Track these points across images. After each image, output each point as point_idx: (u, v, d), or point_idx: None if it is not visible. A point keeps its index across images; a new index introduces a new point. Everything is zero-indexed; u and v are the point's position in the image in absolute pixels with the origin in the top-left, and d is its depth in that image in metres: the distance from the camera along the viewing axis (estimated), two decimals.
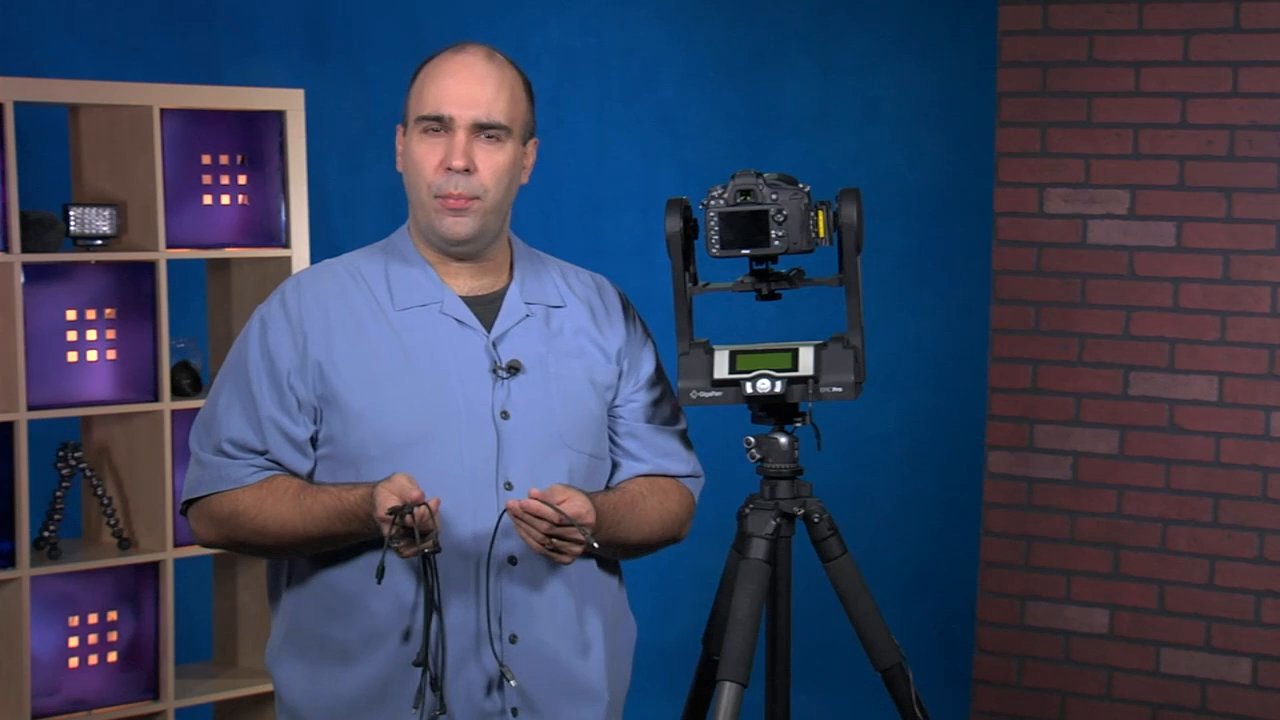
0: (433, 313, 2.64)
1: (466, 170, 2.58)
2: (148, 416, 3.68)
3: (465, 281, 2.68)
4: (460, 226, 2.61)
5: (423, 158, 2.60)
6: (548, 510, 2.48)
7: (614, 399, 2.75)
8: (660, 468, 2.78)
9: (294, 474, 2.62)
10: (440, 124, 2.59)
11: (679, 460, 2.80)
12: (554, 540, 2.51)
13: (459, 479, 2.58)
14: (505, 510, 2.53)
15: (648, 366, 2.79)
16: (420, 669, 2.56)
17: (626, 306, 2.81)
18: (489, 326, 2.66)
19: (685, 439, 2.83)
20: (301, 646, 2.67)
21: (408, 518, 2.43)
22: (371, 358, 2.61)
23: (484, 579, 2.58)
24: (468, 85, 2.60)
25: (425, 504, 2.43)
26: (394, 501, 2.43)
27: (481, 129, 2.60)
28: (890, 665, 2.85)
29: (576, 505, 2.52)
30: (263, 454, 2.62)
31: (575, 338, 2.72)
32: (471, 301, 2.67)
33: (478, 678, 2.61)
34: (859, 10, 5.09)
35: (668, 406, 2.80)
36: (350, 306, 2.64)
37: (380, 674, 2.61)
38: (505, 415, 2.62)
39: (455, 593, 2.58)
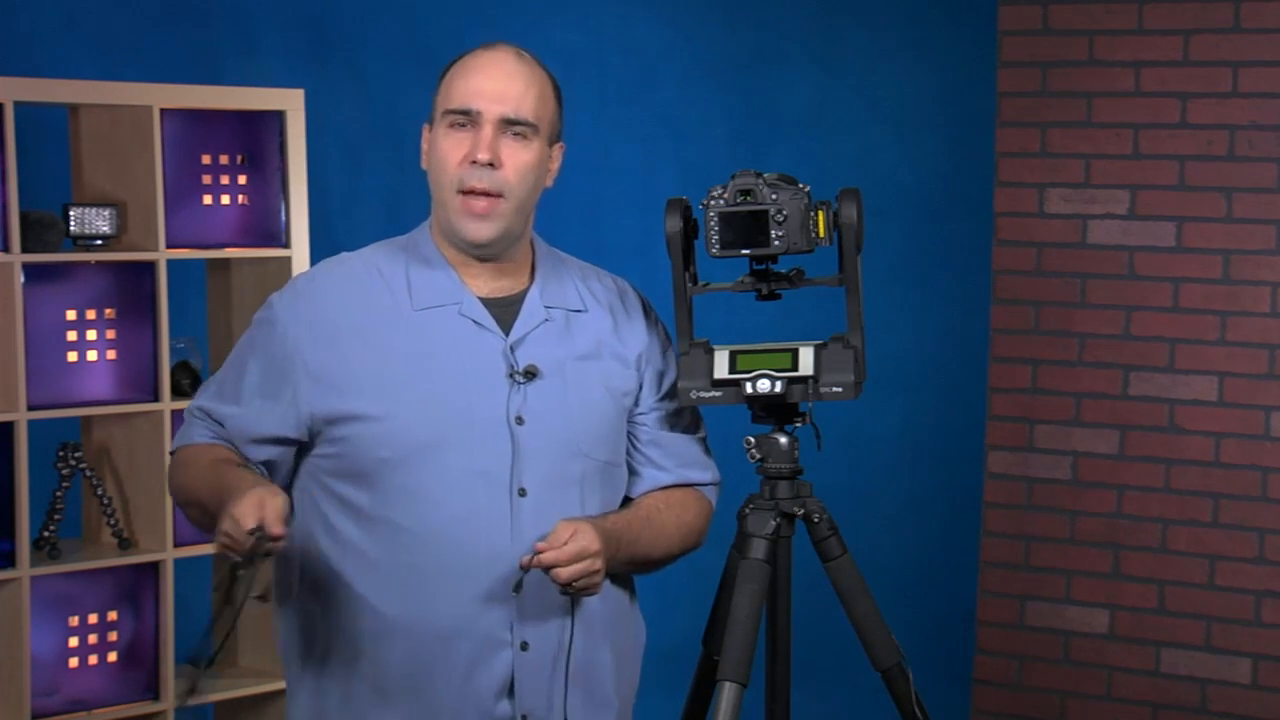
0: (451, 314, 2.63)
1: (491, 164, 2.57)
2: (148, 416, 3.68)
3: (485, 283, 2.66)
4: (482, 231, 2.60)
5: (447, 152, 2.59)
6: (557, 556, 2.48)
7: (635, 406, 2.74)
8: (683, 477, 2.77)
9: (243, 457, 2.62)
10: (467, 118, 2.59)
11: (700, 468, 2.79)
12: (574, 585, 2.52)
13: (472, 484, 2.57)
14: (520, 567, 2.53)
15: (670, 374, 2.77)
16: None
17: (648, 311, 2.80)
18: (507, 329, 2.65)
19: (705, 445, 2.82)
20: (312, 646, 2.66)
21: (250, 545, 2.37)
22: (386, 357, 2.60)
23: (496, 587, 2.58)
24: (496, 81, 2.59)
25: (265, 536, 2.37)
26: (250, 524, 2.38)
27: (509, 125, 2.59)
28: (890, 665, 2.86)
29: (580, 540, 2.51)
30: (222, 426, 2.63)
31: (594, 343, 2.70)
32: (491, 303, 2.65)
33: (488, 684, 2.60)
34: (859, 10, 5.09)
35: (689, 413, 2.80)
36: (366, 304, 2.63)
37: (396, 669, 2.60)
38: (520, 420, 2.61)
39: (469, 600, 2.58)
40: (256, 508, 2.38)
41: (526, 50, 2.66)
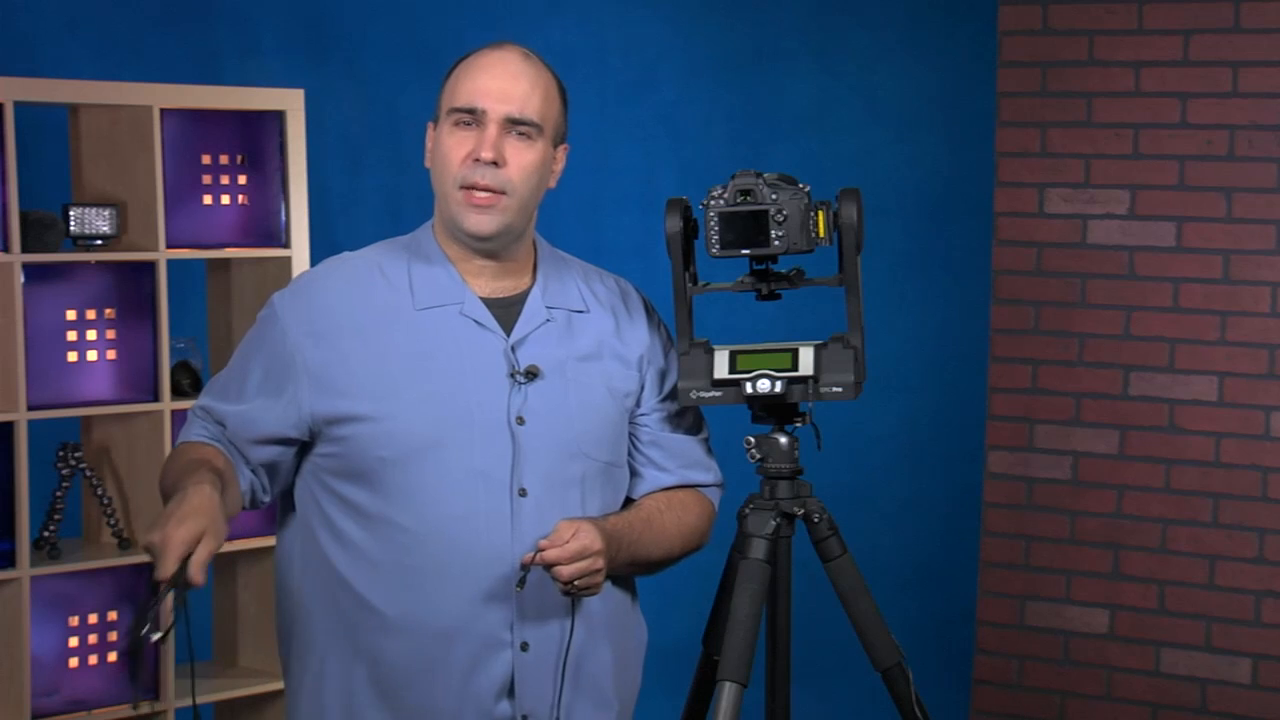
0: (452, 314, 2.63)
1: (495, 163, 2.57)
2: (148, 416, 3.68)
3: (487, 282, 2.66)
4: (484, 223, 2.60)
5: (451, 149, 2.59)
6: (559, 554, 2.48)
7: (637, 407, 2.74)
8: (685, 478, 2.77)
9: (242, 457, 2.61)
10: (472, 117, 2.59)
11: (703, 469, 2.80)
12: (575, 584, 2.52)
13: (473, 484, 2.57)
14: (522, 565, 2.53)
15: (673, 375, 2.77)
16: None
17: (650, 312, 2.80)
18: (509, 329, 2.64)
19: (708, 446, 2.82)
20: (312, 646, 2.66)
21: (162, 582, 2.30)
22: (387, 357, 2.60)
23: (496, 587, 2.58)
24: (502, 80, 2.60)
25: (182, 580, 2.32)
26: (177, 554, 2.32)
27: (513, 125, 2.59)
28: (890, 665, 2.86)
29: (582, 539, 2.51)
30: (223, 426, 2.63)
31: (596, 343, 2.70)
32: (492, 303, 2.65)
33: (488, 685, 2.60)
34: (859, 10, 5.09)
35: (691, 414, 2.80)
36: (368, 303, 2.63)
37: (396, 669, 2.60)
38: (521, 421, 2.61)
39: (469, 600, 2.58)
40: (187, 545, 2.33)
41: (533, 51, 2.66)
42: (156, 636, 2.33)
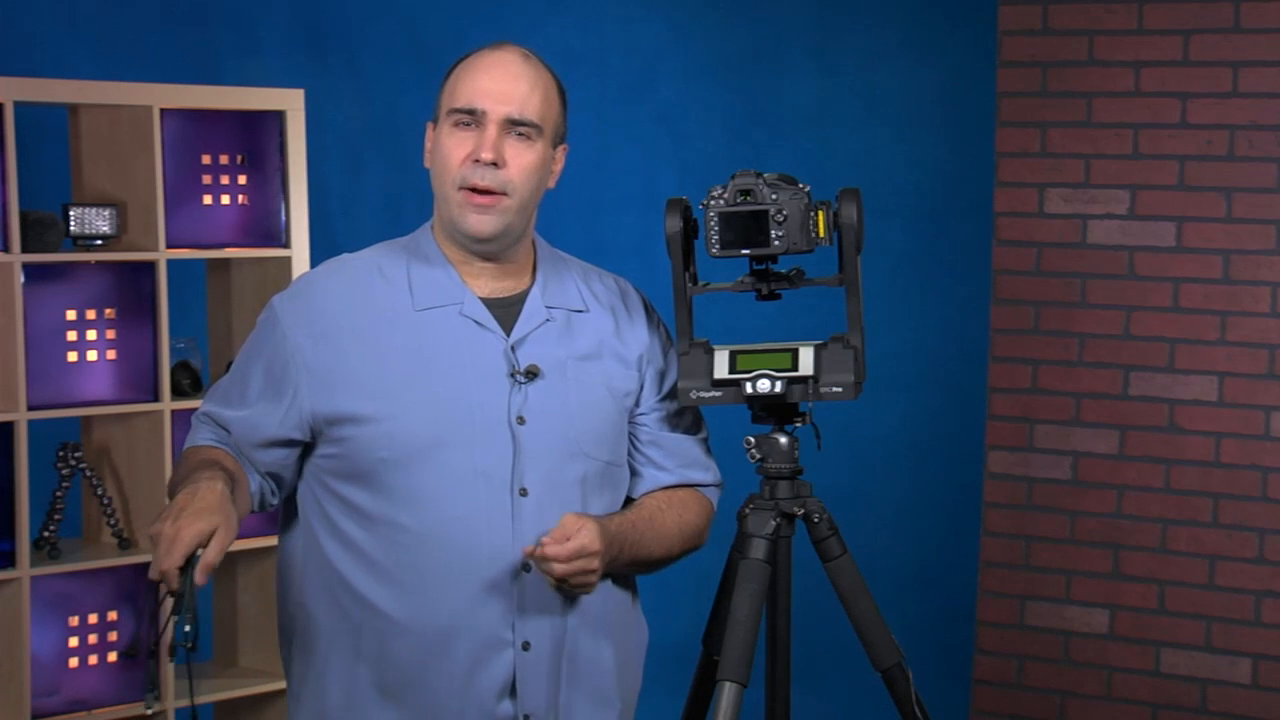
0: (452, 314, 2.63)
1: (495, 164, 2.58)
2: (148, 416, 3.68)
3: (487, 283, 2.67)
4: (484, 224, 2.60)
5: (451, 150, 2.59)
6: (557, 552, 2.48)
7: (636, 406, 2.74)
8: (684, 478, 2.77)
9: (248, 460, 2.61)
10: (472, 118, 2.59)
11: (702, 469, 2.80)
12: (568, 582, 2.52)
13: (473, 484, 2.57)
14: (524, 553, 2.53)
15: (672, 374, 2.77)
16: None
17: (650, 312, 2.80)
18: (509, 329, 2.65)
19: (707, 446, 2.82)
20: (314, 645, 2.66)
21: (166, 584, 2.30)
22: (387, 357, 2.60)
23: (498, 587, 2.58)
24: (502, 81, 2.60)
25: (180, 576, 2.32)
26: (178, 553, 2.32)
27: (513, 125, 2.59)
28: (890, 665, 2.85)
29: (582, 539, 2.51)
30: (228, 432, 2.63)
31: (596, 343, 2.70)
32: (492, 304, 2.65)
33: (490, 684, 2.60)
34: (859, 10, 5.09)
35: (690, 414, 2.80)
36: (368, 305, 2.63)
37: (398, 669, 2.60)
38: (521, 421, 2.61)
39: (471, 600, 2.58)
40: (197, 541, 2.34)
41: (533, 51, 2.66)
42: (187, 635, 2.32)
